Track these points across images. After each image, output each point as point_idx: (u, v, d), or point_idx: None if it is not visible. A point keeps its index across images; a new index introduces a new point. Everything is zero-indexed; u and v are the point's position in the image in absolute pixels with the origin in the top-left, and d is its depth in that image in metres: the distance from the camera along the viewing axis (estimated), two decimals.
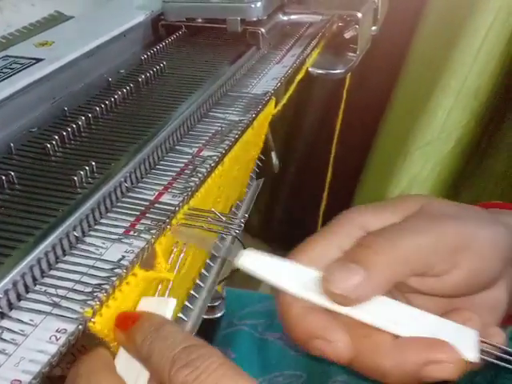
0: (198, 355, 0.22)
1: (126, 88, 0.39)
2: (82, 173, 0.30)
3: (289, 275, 0.27)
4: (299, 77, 0.48)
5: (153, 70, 0.42)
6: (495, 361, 0.26)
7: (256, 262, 0.27)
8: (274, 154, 0.61)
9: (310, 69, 0.51)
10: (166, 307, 0.25)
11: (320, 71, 0.51)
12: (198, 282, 0.37)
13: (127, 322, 0.25)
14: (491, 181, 1.04)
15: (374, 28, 0.58)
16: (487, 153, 1.04)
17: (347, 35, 0.52)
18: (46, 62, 0.39)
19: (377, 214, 0.31)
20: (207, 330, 0.52)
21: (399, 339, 0.27)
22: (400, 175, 1.08)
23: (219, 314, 0.53)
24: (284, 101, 0.45)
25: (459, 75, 0.95)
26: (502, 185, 1.01)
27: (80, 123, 0.35)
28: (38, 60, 0.39)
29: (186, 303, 0.35)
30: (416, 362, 0.26)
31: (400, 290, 0.31)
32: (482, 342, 0.27)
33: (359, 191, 1.18)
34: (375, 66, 0.95)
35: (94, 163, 0.31)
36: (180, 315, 0.33)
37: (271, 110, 0.43)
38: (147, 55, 0.45)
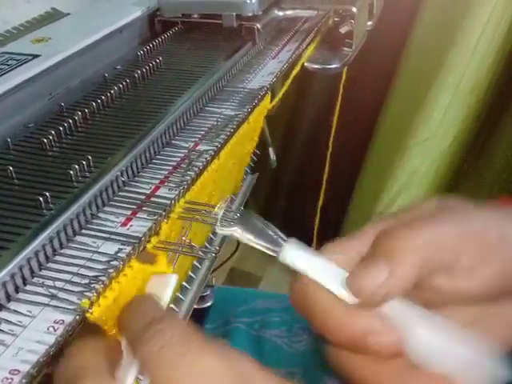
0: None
1: (122, 83, 0.39)
2: (78, 167, 0.30)
3: (326, 273, 0.27)
4: (295, 72, 0.48)
5: (149, 66, 0.42)
6: None
7: (297, 256, 0.27)
8: (271, 150, 0.61)
9: (305, 64, 0.51)
10: (168, 282, 0.27)
11: (316, 66, 0.51)
12: (190, 273, 0.37)
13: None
14: (489, 176, 1.04)
15: (369, 23, 0.59)
16: (485, 148, 1.04)
17: (343, 30, 0.52)
18: (43, 58, 0.39)
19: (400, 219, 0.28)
20: (198, 320, 0.53)
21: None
22: (398, 171, 1.08)
23: (209, 303, 0.53)
24: (280, 96, 0.45)
25: (456, 72, 0.95)
26: (499, 180, 1.01)
27: (76, 118, 0.35)
28: (35, 56, 0.39)
29: (178, 294, 0.35)
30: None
31: (430, 304, 0.28)
32: None
33: (358, 187, 1.18)
34: (372, 62, 0.95)
35: (90, 157, 0.31)
36: (172, 306, 0.34)
37: (267, 104, 0.43)
38: (143, 51, 0.45)
